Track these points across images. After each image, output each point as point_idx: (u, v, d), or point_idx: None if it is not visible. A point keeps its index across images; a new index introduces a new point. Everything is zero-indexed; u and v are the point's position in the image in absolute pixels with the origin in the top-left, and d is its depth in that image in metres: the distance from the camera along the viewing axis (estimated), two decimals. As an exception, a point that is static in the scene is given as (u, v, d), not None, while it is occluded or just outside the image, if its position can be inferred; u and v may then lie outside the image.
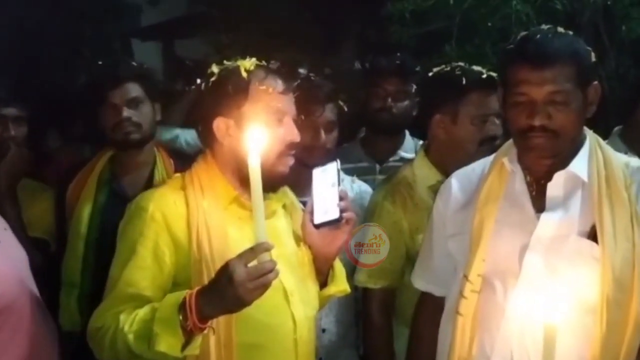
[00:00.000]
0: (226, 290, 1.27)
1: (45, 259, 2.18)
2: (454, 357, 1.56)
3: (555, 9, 3.25)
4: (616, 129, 2.17)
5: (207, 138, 1.53)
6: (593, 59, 1.53)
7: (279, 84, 1.51)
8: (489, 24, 3.25)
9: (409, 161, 2.16)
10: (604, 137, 2.22)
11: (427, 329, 1.74)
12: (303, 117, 1.97)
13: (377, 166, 2.48)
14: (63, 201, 2.22)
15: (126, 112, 2.11)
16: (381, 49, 4.09)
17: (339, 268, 1.67)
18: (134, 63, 2.29)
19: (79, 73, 5.19)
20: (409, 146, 2.51)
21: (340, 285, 1.66)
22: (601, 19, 3.32)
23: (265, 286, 1.29)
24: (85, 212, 2.14)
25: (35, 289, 1.60)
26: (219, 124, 1.49)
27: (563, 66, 1.45)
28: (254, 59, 1.53)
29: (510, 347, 1.50)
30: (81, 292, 2.10)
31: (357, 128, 2.61)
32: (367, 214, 2.07)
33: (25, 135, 2.31)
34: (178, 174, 1.58)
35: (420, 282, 1.79)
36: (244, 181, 1.49)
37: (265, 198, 1.46)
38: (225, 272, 1.28)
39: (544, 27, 1.55)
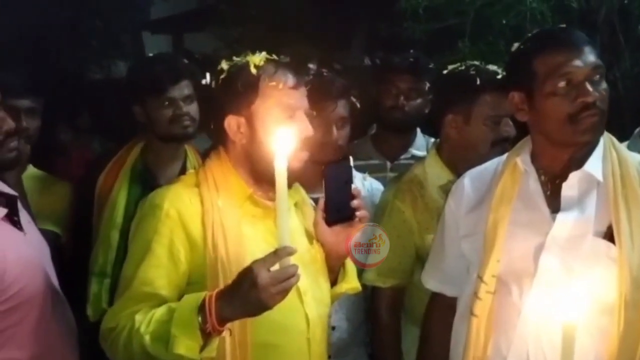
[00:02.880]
0: (249, 294, 1.26)
1: (55, 251, 2.18)
2: (468, 358, 1.54)
3: (570, 7, 3.22)
4: (637, 130, 2.13)
5: (220, 136, 1.51)
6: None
7: (290, 79, 1.48)
8: (503, 22, 3.22)
9: (420, 160, 2.14)
10: (620, 137, 2.21)
11: (438, 330, 1.72)
12: (315, 113, 1.96)
13: (388, 163, 2.46)
14: (86, 192, 2.23)
15: (185, 108, 2.18)
16: (393, 45, 4.07)
17: (350, 265, 1.65)
18: (185, 61, 2.36)
19: (89, 65, 5.19)
20: (420, 144, 2.48)
21: (351, 282, 1.64)
22: (617, 18, 3.28)
23: (287, 291, 1.27)
24: (120, 202, 2.17)
25: (56, 282, 1.60)
26: (230, 122, 1.47)
27: (592, 45, 1.47)
28: (263, 54, 1.50)
29: (526, 348, 1.48)
30: (113, 282, 2.10)
31: (368, 125, 2.58)
32: (378, 211, 2.06)
33: (37, 128, 2.31)
34: (192, 171, 1.56)
35: (432, 282, 1.77)
36: (257, 179, 1.49)
37: None
38: (248, 276, 1.26)
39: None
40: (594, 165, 1.50)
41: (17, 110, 2.26)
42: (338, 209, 1.50)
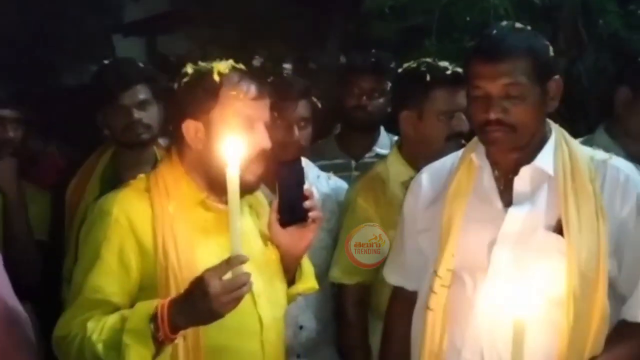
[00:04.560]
0: (200, 303, 1.27)
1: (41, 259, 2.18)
2: (424, 352, 1.57)
3: (533, 3, 3.27)
4: (602, 124, 2.18)
5: (176, 139, 1.51)
6: (551, 53, 1.54)
7: (252, 90, 1.47)
8: (468, 19, 3.26)
9: (383, 157, 2.17)
10: (585, 131, 2.25)
11: (400, 324, 1.75)
12: (276, 114, 1.98)
13: (353, 162, 2.49)
14: (58, 201, 2.22)
15: (137, 114, 2.12)
16: (362, 44, 4.10)
17: (307, 265, 1.66)
18: (140, 64, 2.30)
19: (62, 71, 5.15)
20: (385, 142, 2.51)
21: (308, 282, 1.66)
22: (579, 14, 3.34)
23: (239, 299, 1.29)
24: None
25: (11, 296, 1.57)
26: (188, 126, 1.47)
27: (517, 60, 1.47)
28: (230, 62, 1.49)
29: (480, 341, 1.51)
30: None
31: (332, 124, 2.61)
32: (342, 209, 2.08)
33: (21, 138, 2.30)
34: (142, 175, 1.55)
35: (393, 277, 1.80)
36: (210, 184, 1.48)
37: None
38: (200, 285, 1.27)
39: (504, 23, 1.59)
40: (544, 159, 1.53)
41: (3, 120, 2.25)
42: (291, 210, 1.51)
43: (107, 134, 2.22)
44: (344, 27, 4.84)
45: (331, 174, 2.23)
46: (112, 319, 1.36)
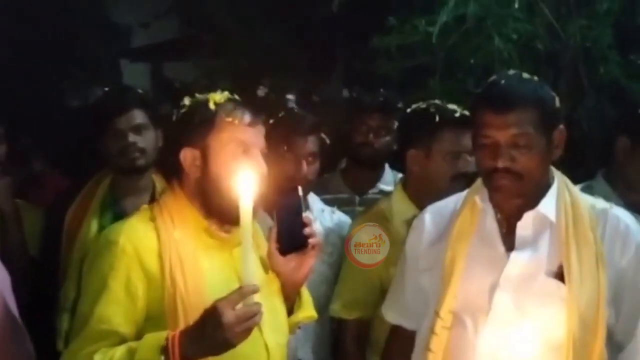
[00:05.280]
0: (214, 334, 1.28)
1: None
2: (425, 393, 1.58)
3: (536, 48, 3.34)
4: (601, 170, 2.22)
5: (175, 169, 1.54)
6: (557, 104, 1.58)
7: (246, 117, 1.50)
8: (472, 61, 3.33)
9: (387, 194, 2.20)
10: (584, 177, 2.29)
11: None
12: (285, 148, 2.03)
13: (357, 197, 2.52)
14: (55, 225, 2.22)
15: (131, 138, 2.14)
16: (367, 80, 4.17)
17: (306, 294, 1.68)
18: (139, 90, 2.34)
19: (68, 93, 5.21)
20: (389, 179, 2.55)
21: (307, 311, 1.67)
22: (580, 60, 3.42)
23: (251, 329, 1.30)
24: (90, 236, 2.15)
25: (15, 312, 1.59)
26: (186, 155, 1.50)
27: (525, 111, 1.50)
28: (226, 93, 1.54)
29: (480, 384, 1.52)
30: None
31: (339, 159, 2.65)
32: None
33: (5, 154, 2.32)
34: (145, 206, 1.58)
35: (392, 315, 1.81)
36: (211, 212, 1.51)
37: (233, 229, 1.51)
38: (213, 316, 1.28)
39: (511, 72, 1.63)
40: (547, 206, 1.56)
41: None
42: (291, 238, 1.53)
43: (105, 159, 2.24)
44: (349, 63, 4.92)
45: (335, 208, 2.26)
46: (120, 352, 1.35)
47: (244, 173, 1.32)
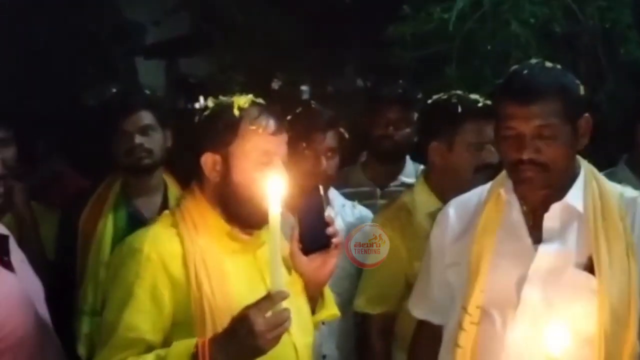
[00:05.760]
0: (245, 341, 1.28)
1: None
2: (454, 390, 1.57)
3: (554, 32, 3.29)
4: (624, 156, 2.17)
5: (195, 171, 1.53)
6: (582, 92, 1.55)
7: (271, 125, 1.49)
8: (488, 47, 3.29)
9: (409, 187, 2.18)
10: (605, 162, 2.24)
11: (424, 357, 1.74)
12: (304, 144, 2.01)
13: (378, 190, 2.50)
14: (70, 227, 2.24)
15: (138, 139, 2.18)
16: (382, 70, 4.14)
17: (328, 292, 1.68)
18: (146, 91, 2.39)
19: (84, 92, 5.23)
20: (410, 171, 2.53)
21: (330, 309, 1.67)
22: (599, 42, 3.35)
23: (281, 335, 1.30)
24: (107, 238, 2.18)
25: (49, 322, 1.61)
26: (207, 159, 1.49)
27: (549, 101, 1.47)
28: (250, 97, 1.52)
29: (510, 379, 1.51)
30: None
31: (359, 152, 2.63)
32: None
33: (14, 156, 2.34)
34: (167, 211, 1.58)
35: (418, 310, 1.79)
36: (231, 216, 1.51)
37: (255, 231, 1.51)
38: (244, 323, 1.28)
39: (533, 61, 1.59)
40: (574, 196, 1.54)
41: None
42: (314, 238, 1.52)
43: (115, 160, 2.26)
44: (363, 54, 4.88)
45: (356, 203, 2.25)
46: (149, 359, 1.36)
47: (272, 179, 1.31)
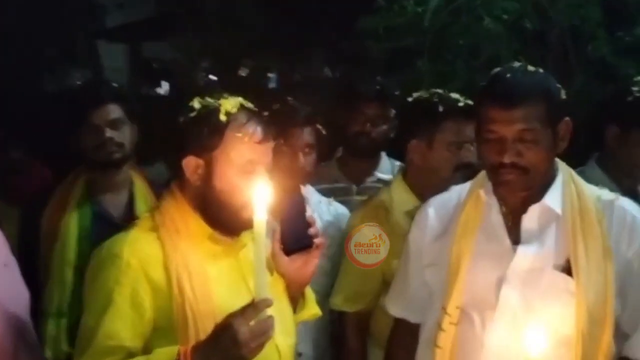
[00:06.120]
0: (229, 350, 1.26)
1: None
2: (433, 390, 1.58)
3: (524, 27, 3.32)
4: (594, 155, 2.20)
5: (176, 173, 1.50)
6: (563, 96, 1.56)
7: (258, 133, 1.45)
8: (461, 42, 3.31)
9: (386, 184, 2.18)
10: (576, 159, 2.27)
11: (401, 355, 1.75)
12: (282, 140, 1.98)
13: (354, 187, 2.49)
14: (32, 225, 2.16)
15: (109, 133, 2.11)
16: (353, 61, 4.12)
17: (309, 292, 1.68)
18: (114, 84, 2.29)
19: (45, 78, 5.06)
20: (386, 167, 2.53)
21: (311, 309, 1.67)
22: (569, 39, 3.41)
23: (265, 343, 1.29)
24: (71, 238, 2.10)
25: (31, 331, 1.55)
26: (189, 162, 1.46)
27: (532, 105, 1.48)
28: (238, 100, 1.48)
29: (489, 380, 1.52)
30: (70, 321, 2.04)
31: (334, 148, 2.61)
32: (345, 236, 2.08)
33: None
34: (146, 214, 1.54)
35: (395, 308, 1.79)
36: (212, 219, 1.48)
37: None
38: (228, 332, 1.26)
39: (516, 64, 1.59)
40: (553, 198, 1.55)
41: None
42: (296, 238, 1.52)
43: (81, 154, 2.18)
44: (334, 44, 4.86)
45: (332, 199, 2.23)
46: None
47: (258, 186, 1.29)
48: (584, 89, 3.38)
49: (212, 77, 5.98)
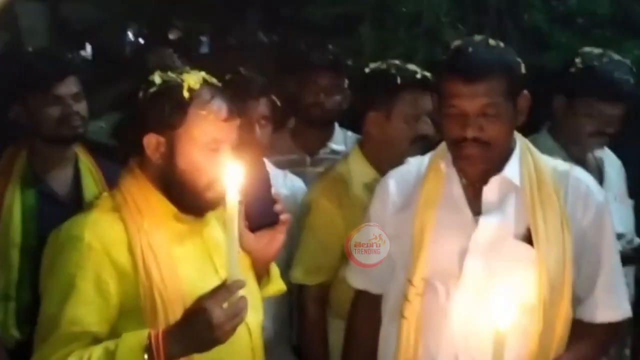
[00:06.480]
0: (202, 333, 1.23)
1: None
2: (399, 360, 1.60)
3: (464, -5, 3.36)
4: (546, 124, 2.27)
5: (136, 150, 1.43)
6: (523, 70, 1.58)
7: (223, 110, 1.40)
8: (403, 9, 3.31)
9: (343, 156, 2.17)
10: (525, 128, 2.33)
11: (364, 326, 1.78)
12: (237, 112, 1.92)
13: (308, 158, 2.47)
14: None
15: (75, 106, 2.02)
16: (293, 26, 4.04)
17: (274, 267, 1.67)
18: (70, 55, 2.17)
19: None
20: (339, 138, 2.51)
21: (276, 284, 1.66)
22: (505, 6, 3.48)
23: (238, 325, 1.26)
24: (15, 218, 1.99)
25: None
26: (150, 140, 1.39)
27: (494, 80, 1.50)
28: (201, 75, 1.42)
29: (455, 349, 1.57)
30: (19, 305, 1.96)
31: (287, 118, 2.57)
32: (303, 209, 2.07)
33: None
34: (106, 194, 1.47)
35: (356, 280, 1.81)
36: (175, 199, 1.43)
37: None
38: (201, 315, 1.23)
39: (477, 38, 1.60)
40: (512, 170, 1.59)
41: None
42: (261, 215, 1.50)
43: (27, 129, 2.05)
44: (269, 4, 4.74)
45: (287, 172, 2.20)
46: (97, 353, 1.28)
47: (228, 166, 1.24)
48: (520, 57, 3.48)
49: (140, 40, 5.72)
